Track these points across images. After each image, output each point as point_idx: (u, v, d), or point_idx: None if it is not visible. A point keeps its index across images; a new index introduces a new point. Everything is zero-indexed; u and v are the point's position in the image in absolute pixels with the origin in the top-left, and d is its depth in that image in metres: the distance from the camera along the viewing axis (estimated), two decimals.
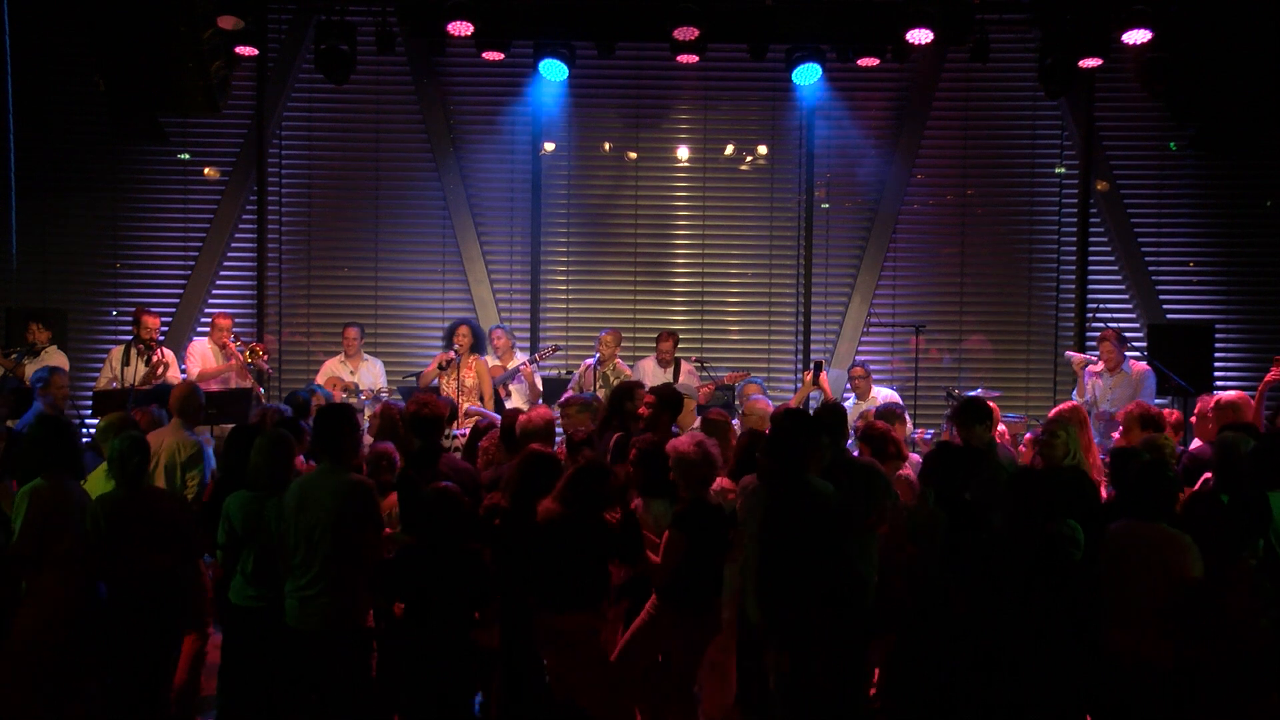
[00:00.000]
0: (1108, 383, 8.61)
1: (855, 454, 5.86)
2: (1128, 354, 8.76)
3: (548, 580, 4.70)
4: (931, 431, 8.83)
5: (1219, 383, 9.84)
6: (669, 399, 6.14)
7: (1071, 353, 9.37)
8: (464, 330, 8.64)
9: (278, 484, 4.92)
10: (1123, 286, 10.70)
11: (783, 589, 4.73)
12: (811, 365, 7.20)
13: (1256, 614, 4.44)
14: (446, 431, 7.07)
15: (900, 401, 9.02)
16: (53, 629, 4.83)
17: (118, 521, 4.91)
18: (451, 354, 8.52)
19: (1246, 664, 4.41)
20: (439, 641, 4.64)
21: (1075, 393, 8.87)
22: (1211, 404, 6.36)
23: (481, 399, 8.56)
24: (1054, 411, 6.15)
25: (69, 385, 7.73)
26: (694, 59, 9.62)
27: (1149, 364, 8.84)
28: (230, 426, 7.21)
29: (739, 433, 6.19)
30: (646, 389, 6.42)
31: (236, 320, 9.47)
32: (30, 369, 8.59)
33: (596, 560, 4.74)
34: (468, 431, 6.84)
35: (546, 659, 4.86)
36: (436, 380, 8.54)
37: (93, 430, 6.53)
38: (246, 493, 5.01)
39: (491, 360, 9.20)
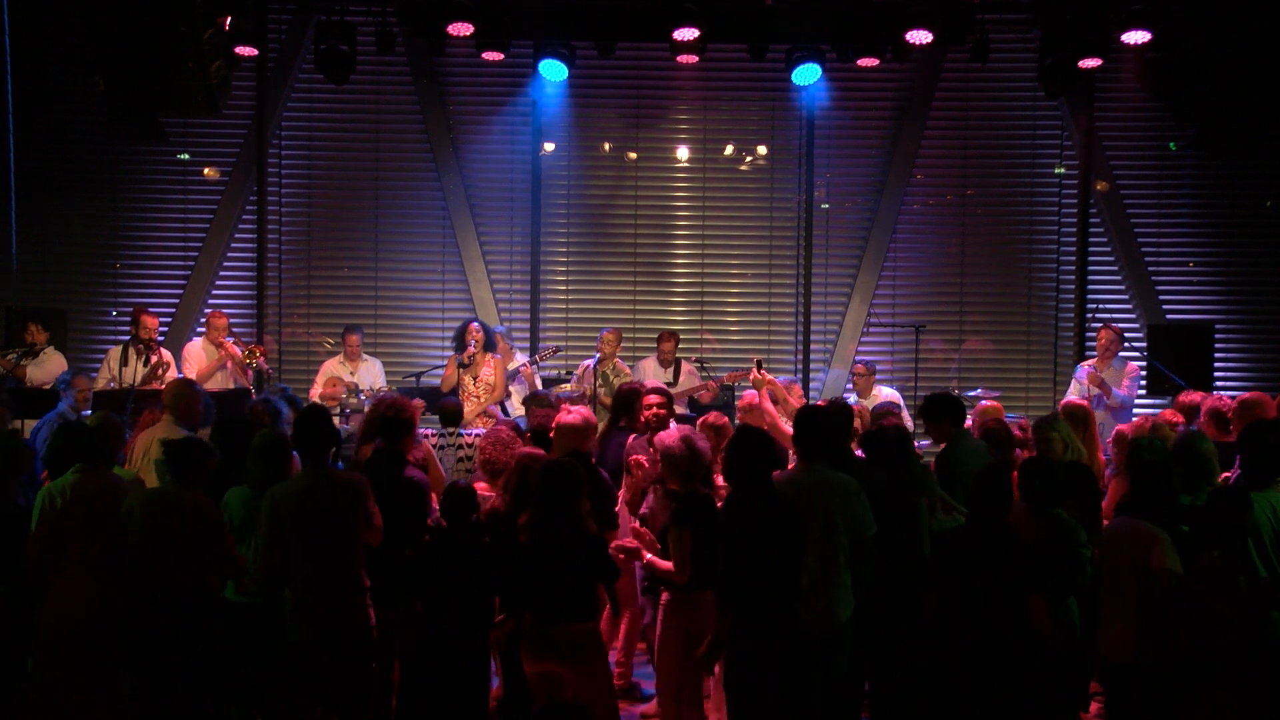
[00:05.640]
0: (1083, 374, 8.74)
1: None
2: (1122, 353, 8.88)
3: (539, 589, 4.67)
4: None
5: (1219, 383, 9.84)
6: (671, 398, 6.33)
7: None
8: (475, 327, 8.64)
9: (276, 483, 4.91)
10: (1123, 286, 10.69)
11: None
12: (755, 363, 7.23)
13: (1226, 612, 4.45)
14: (454, 430, 7.08)
15: (901, 401, 9.03)
16: (76, 627, 4.77)
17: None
18: (471, 351, 8.51)
19: (1213, 660, 4.43)
20: (453, 640, 4.69)
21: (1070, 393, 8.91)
22: (1207, 407, 6.42)
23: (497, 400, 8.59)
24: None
25: (90, 388, 7.73)
26: (694, 59, 9.62)
27: (1144, 366, 8.90)
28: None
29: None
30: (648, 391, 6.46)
31: (237, 320, 9.46)
32: (30, 370, 8.59)
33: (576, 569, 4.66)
34: (480, 432, 6.81)
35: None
36: (459, 381, 8.51)
37: None
38: (247, 489, 5.01)
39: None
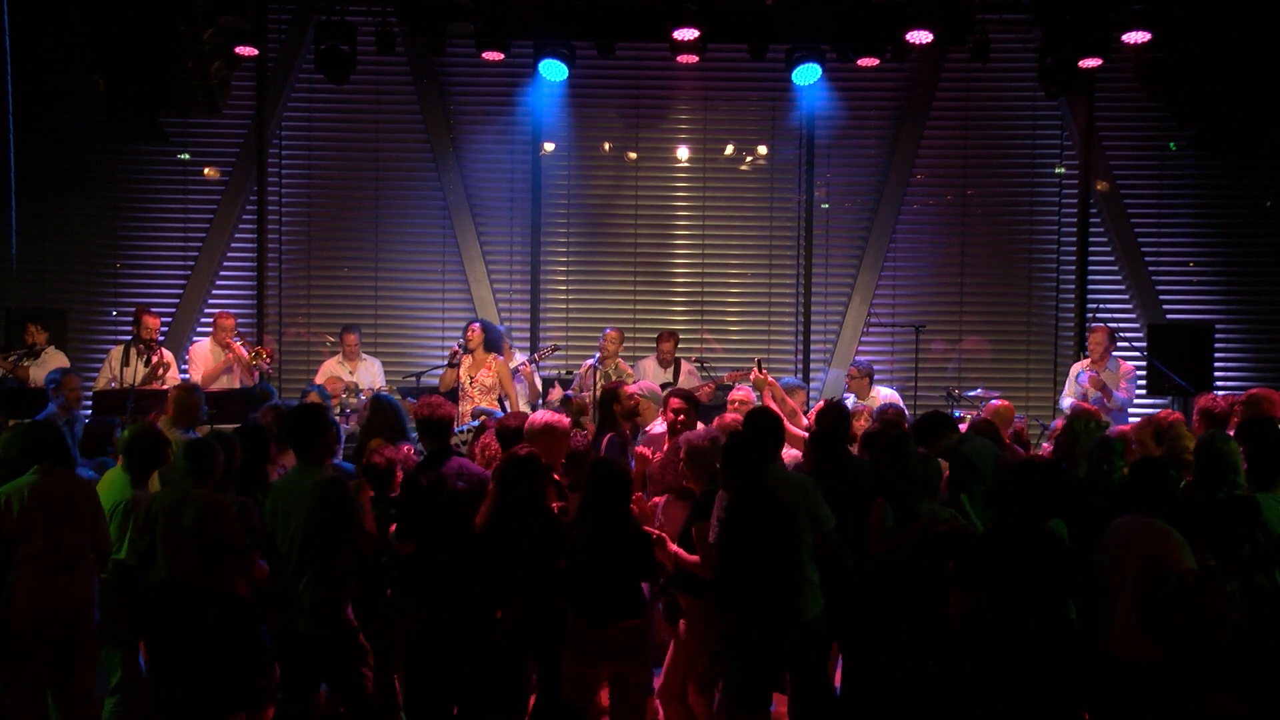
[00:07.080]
0: (1085, 378, 8.72)
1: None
2: (1115, 353, 8.90)
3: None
4: None
5: (1219, 383, 9.85)
6: (695, 402, 6.43)
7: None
8: (475, 327, 8.62)
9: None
10: (1123, 286, 10.70)
11: None
12: (755, 362, 7.24)
13: (1229, 611, 4.45)
14: None
15: (900, 401, 9.02)
16: (37, 628, 4.78)
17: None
18: (456, 347, 8.49)
19: (1219, 658, 4.43)
20: (454, 640, 4.72)
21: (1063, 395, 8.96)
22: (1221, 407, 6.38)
23: (502, 401, 8.53)
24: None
25: (80, 386, 7.74)
26: (694, 59, 9.61)
27: (1142, 366, 8.89)
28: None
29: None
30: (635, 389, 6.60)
31: (237, 320, 9.45)
32: (31, 370, 8.60)
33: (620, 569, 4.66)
34: (473, 425, 6.83)
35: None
36: (458, 380, 8.50)
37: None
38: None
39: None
